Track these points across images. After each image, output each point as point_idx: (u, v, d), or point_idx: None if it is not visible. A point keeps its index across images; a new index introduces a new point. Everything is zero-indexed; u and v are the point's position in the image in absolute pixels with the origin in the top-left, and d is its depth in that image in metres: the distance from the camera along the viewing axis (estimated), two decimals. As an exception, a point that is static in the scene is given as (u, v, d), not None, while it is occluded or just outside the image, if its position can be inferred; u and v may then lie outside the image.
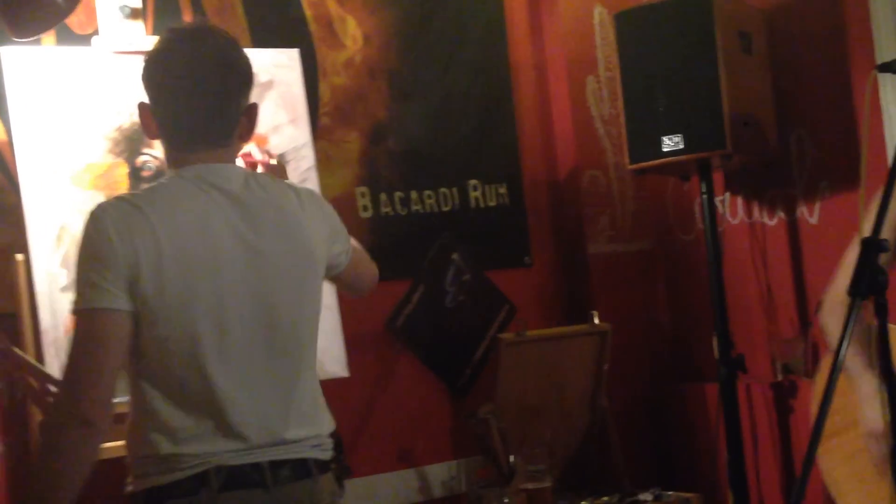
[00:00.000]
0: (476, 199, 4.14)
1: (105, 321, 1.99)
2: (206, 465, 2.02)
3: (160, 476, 2.03)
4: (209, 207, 2.09)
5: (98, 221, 2.05)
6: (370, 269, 2.54)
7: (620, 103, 3.86)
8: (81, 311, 2.02)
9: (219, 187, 2.12)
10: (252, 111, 2.23)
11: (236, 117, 2.17)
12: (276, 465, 2.07)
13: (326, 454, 2.18)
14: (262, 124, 3.23)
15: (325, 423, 2.20)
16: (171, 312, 2.02)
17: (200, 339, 2.04)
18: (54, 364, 2.88)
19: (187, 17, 3.60)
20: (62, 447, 1.94)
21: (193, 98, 2.12)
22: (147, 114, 2.20)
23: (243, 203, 2.12)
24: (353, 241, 2.45)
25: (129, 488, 2.09)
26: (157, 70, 2.16)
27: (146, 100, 2.20)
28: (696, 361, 4.29)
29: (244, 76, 2.19)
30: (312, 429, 2.14)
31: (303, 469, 2.11)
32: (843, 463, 2.82)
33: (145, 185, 3.02)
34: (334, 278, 2.38)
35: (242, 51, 2.22)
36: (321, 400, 2.22)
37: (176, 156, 2.19)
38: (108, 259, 2.00)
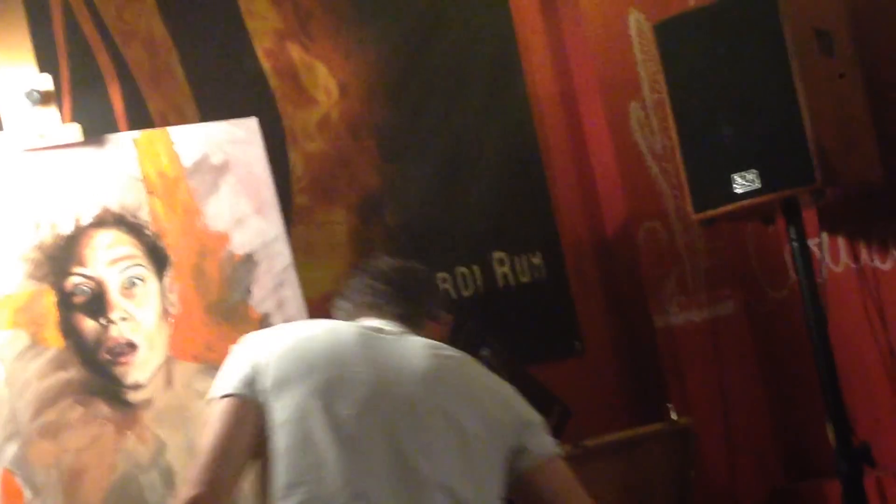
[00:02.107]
0: (504, 275, 4.13)
1: None
2: None
3: None
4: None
5: None
6: None
7: (675, 134, 3.82)
8: None
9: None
10: None
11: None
12: None
13: None
14: (221, 220, 3.28)
15: None
16: None
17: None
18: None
19: (114, 92, 3.59)
20: None
21: None
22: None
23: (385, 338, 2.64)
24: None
25: None
26: None
27: None
28: (809, 453, 4.22)
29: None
30: None
31: None
32: None
33: (81, 315, 3.07)
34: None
35: None
36: None
37: None
38: None
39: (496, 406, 2.59)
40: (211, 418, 2.53)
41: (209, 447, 2.48)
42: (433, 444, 2.51)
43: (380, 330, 2.66)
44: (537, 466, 2.57)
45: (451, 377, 2.61)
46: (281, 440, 2.49)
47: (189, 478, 2.48)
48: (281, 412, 2.50)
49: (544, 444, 2.60)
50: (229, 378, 2.55)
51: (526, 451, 2.57)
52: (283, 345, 2.59)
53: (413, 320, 2.71)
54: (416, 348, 2.63)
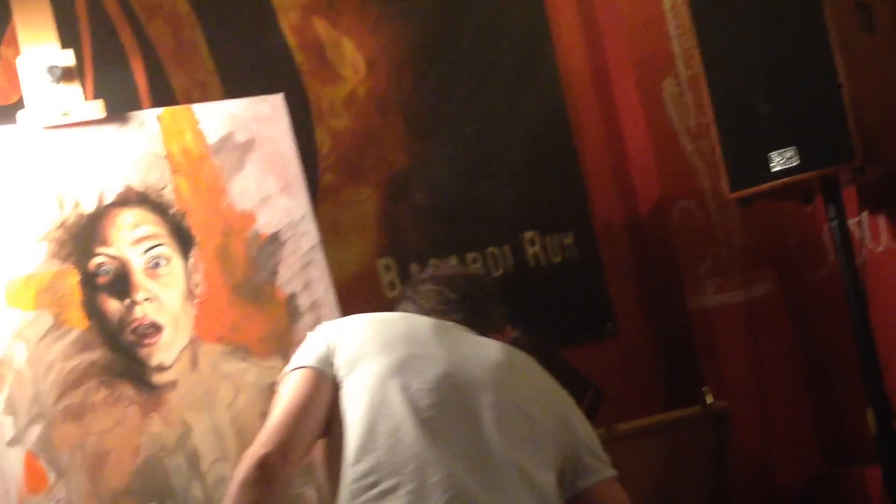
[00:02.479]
0: (535, 255, 4.15)
1: None
2: None
3: None
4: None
5: None
6: None
7: (710, 111, 3.81)
8: None
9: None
10: None
11: None
12: None
13: None
14: (247, 198, 3.29)
15: None
16: None
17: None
18: (9, 551, 2.90)
19: (137, 69, 3.61)
20: (232, 488, 2.48)
21: None
22: None
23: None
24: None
25: None
26: None
27: None
28: (849, 438, 4.20)
29: None
30: None
31: None
32: None
33: (105, 295, 3.09)
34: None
35: None
36: None
37: None
38: None
39: (561, 412, 2.71)
40: (284, 388, 2.63)
41: (282, 412, 2.57)
42: (505, 425, 2.59)
43: (452, 325, 2.77)
44: (597, 485, 2.66)
45: (522, 372, 2.73)
46: (354, 411, 2.57)
47: (258, 439, 2.54)
48: (355, 385, 2.60)
49: (605, 464, 2.71)
50: (304, 354, 2.66)
51: (586, 469, 2.67)
52: (358, 326, 2.73)
53: (478, 329, 2.80)
54: (487, 342, 2.75)
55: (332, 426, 2.60)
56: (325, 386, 2.61)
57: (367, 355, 2.64)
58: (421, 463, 2.50)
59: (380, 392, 2.57)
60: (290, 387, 2.62)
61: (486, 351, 2.72)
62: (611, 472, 2.71)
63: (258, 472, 2.48)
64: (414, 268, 3.92)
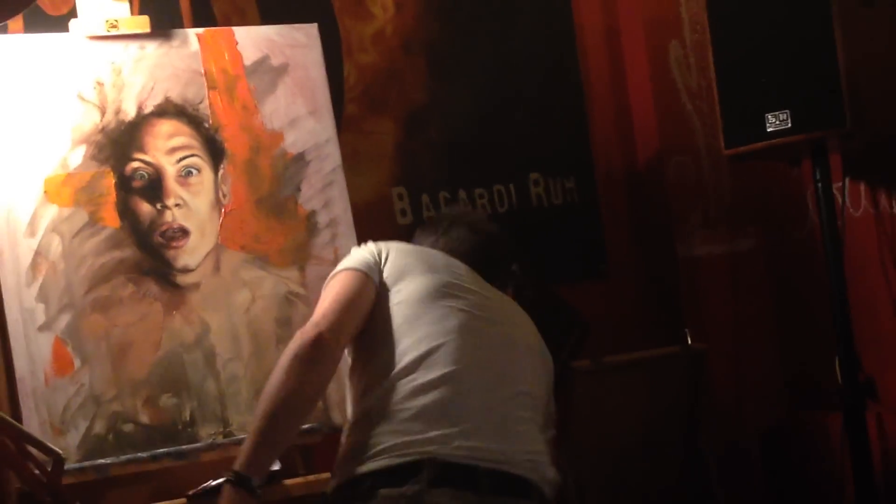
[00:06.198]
0: (538, 196, 4.15)
1: None
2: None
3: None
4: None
5: None
6: None
7: (712, 73, 3.80)
8: None
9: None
10: None
11: None
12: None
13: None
14: (277, 119, 3.27)
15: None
16: None
17: None
18: (33, 420, 2.89)
19: (182, -9, 3.59)
20: (284, 362, 2.53)
21: None
22: None
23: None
24: None
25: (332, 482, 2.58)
26: None
27: None
28: (815, 386, 4.19)
29: None
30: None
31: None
32: None
33: (138, 198, 3.09)
34: None
35: None
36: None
37: None
38: None
39: (549, 375, 2.84)
40: (333, 283, 2.71)
41: (333, 299, 2.64)
42: (528, 360, 2.76)
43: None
44: None
45: (530, 324, 2.88)
46: (399, 316, 2.66)
47: (311, 321, 2.61)
48: (402, 293, 2.68)
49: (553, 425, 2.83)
50: (352, 260, 2.75)
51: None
52: (403, 247, 2.82)
53: (487, 280, 2.88)
54: (500, 294, 2.88)
55: (371, 327, 2.66)
56: (370, 288, 2.68)
57: (413, 271, 2.71)
58: (457, 373, 2.57)
59: (424, 303, 2.65)
60: (340, 282, 2.69)
61: (504, 298, 2.86)
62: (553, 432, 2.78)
63: (312, 350, 2.52)
64: (425, 198, 3.94)
